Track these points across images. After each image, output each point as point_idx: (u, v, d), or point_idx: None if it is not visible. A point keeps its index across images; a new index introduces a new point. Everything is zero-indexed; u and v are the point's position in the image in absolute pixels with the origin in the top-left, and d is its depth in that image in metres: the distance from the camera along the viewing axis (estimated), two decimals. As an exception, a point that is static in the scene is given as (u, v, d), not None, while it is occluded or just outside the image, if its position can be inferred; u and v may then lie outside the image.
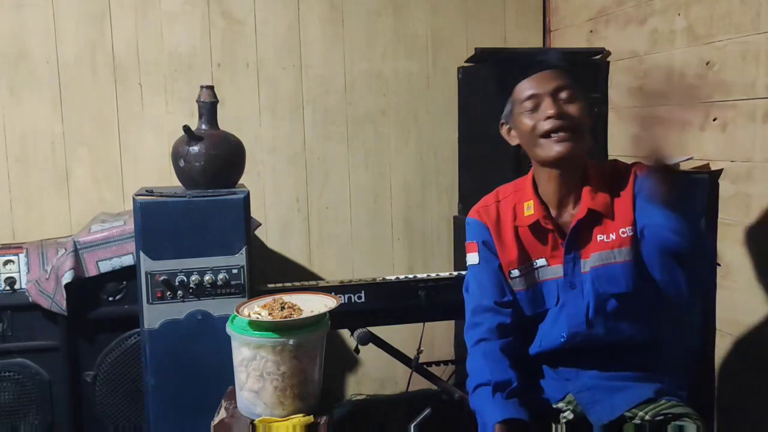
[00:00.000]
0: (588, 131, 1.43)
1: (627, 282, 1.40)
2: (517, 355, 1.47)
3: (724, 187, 1.90)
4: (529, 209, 1.48)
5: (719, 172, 1.87)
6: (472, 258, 1.53)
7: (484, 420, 1.37)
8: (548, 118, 1.38)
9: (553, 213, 1.47)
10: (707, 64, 2.02)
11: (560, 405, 1.45)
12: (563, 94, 1.40)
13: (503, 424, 1.32)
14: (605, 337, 1.43)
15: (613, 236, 1.41)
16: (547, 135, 1.39)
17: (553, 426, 1.41)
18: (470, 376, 1.44)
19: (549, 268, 1.47)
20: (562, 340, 1.45)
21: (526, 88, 1.43)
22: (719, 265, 1.88)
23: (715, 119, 2.00)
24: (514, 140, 1.49)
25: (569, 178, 1.44)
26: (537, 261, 1.48)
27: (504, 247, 1.49)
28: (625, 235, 1.40)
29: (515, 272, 1.48)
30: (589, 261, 1.43)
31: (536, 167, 1.49)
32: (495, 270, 1.50)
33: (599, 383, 1.43)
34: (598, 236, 1.42)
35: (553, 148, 1.39)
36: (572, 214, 1.45)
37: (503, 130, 1.52)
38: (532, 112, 1.41)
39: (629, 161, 1.51)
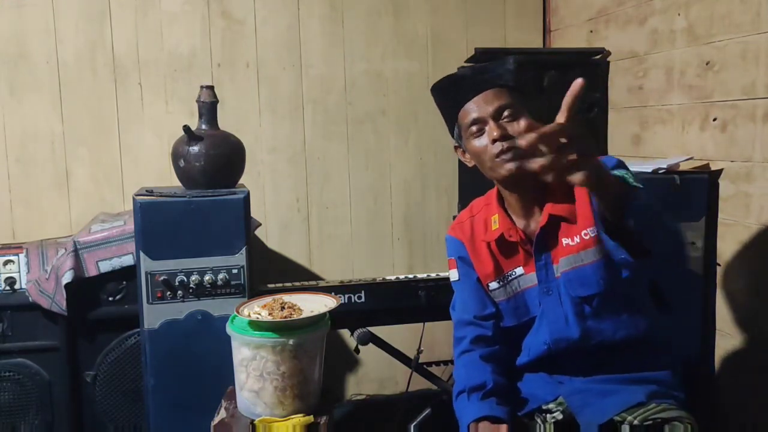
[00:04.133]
0: None
1: (598, 281, 1.39)
2: (504, 362, 1.48)
3: (724, 187, 1.90)
4: (495, 223, 1.49)
5: (719, 172, 1.87)
6: (453, 274, 1.57)
7: (461, 424, 1.39)
8: (494, 141, 1.38)
9: (521, 224, 1.48)
10: (707, 64, 2.02)
11: (550, 406, 1.45)
12: (506, 113, 1.39)
13: (476, 423, 1.35)
14: (588, 340, 1.43)
15: (577, 239, 1.40)
16: (495, 157, 1.39)
17: (541, 425, 1.41)
18: (454, 387, 1.47)
19: (526, 276, 1.47)
20: (545, 347, 1.45)
21: (469, 111, 1.42)
22: (719, 265, 1.88)
23: (715, 119, 2.00)
24: (470, 162, 1.49)
25: (530, 190, 1.44)
26: (515, 270, 1.49)
27: (480, 260, 1.51)
28: (588, 236, 1.38)
29: (494, 284, 1.50)
30: (560, 266, 1.43)
31: (497, 184, 1.50)
32: (474, 284, 1.52)
33: (591, 387, 1.42)
34: (564, 240, 1.42)
35: (504, 168, 1.38)
36: (539, 222, 1.45)
37: (458, 153, 1.52)
38: (478, 136, 1.41)
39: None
